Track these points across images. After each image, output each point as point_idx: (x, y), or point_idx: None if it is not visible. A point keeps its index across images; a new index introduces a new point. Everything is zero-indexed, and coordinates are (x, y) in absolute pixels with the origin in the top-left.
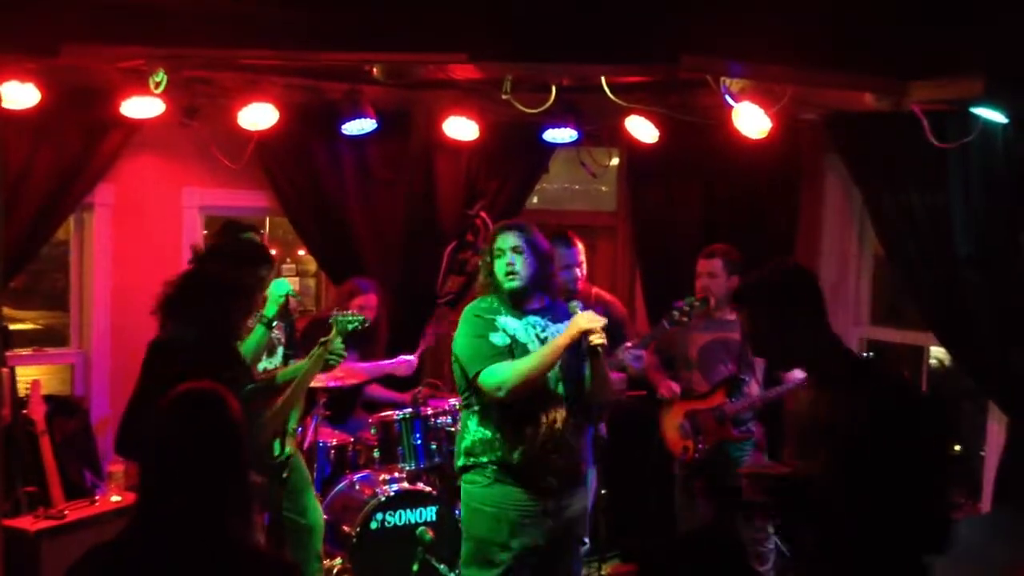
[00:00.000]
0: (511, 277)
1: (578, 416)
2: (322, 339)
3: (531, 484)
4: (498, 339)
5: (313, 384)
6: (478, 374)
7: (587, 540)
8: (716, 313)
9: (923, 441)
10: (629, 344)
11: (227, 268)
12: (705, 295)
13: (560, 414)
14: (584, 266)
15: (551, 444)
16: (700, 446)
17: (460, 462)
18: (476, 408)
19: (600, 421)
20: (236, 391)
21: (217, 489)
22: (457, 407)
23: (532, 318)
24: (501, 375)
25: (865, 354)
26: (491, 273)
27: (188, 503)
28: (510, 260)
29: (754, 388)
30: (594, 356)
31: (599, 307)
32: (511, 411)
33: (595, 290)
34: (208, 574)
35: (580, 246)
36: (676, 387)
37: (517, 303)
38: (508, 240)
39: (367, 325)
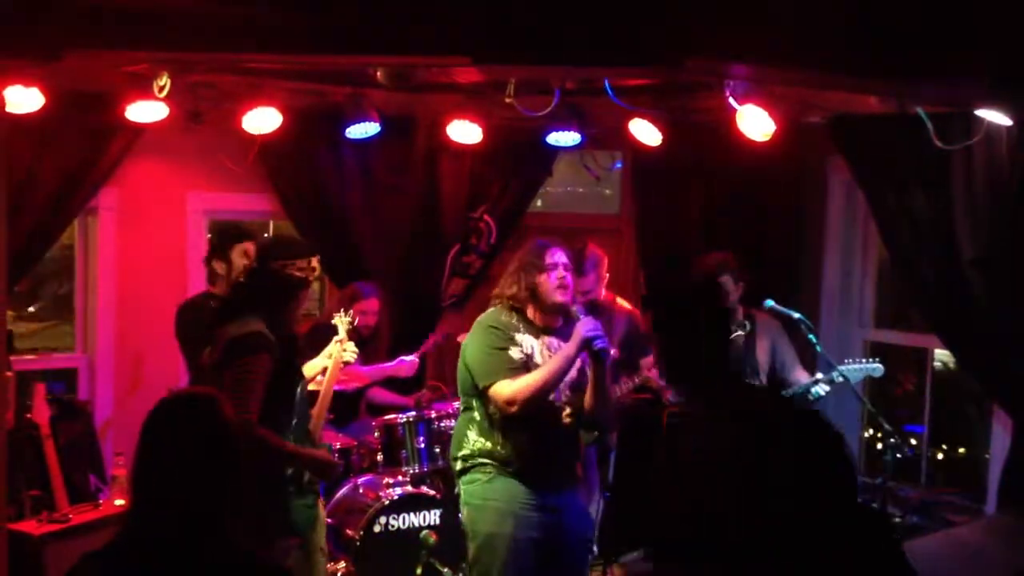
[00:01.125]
0: (563, 291)
1: (577, 430)
2: (336, 338)
3: (530, 481)
4: (516, 353)
5: (313, 388)
6: (490, 386)
7: (596, 549)
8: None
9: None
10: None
11: (283, 264)
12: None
13: (562, 432)
14: (603, 283)
15: (551, 457)
16: None
17: (458, 466)
18: (476, 418)
19: (610, 432)
20: (301, 381)
21: (212, 492)
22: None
23: (547, 338)
24: (514, 389)
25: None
26: (531, 287)
27: (183, 507)
28: (563, 275)
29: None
30: (596, 361)
31: (620, 317)
32: (513, 427)
33: (617, 299)
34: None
35: (599, 272)
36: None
37: (547, 319)
38: (560, 256)
39: (369, 330)
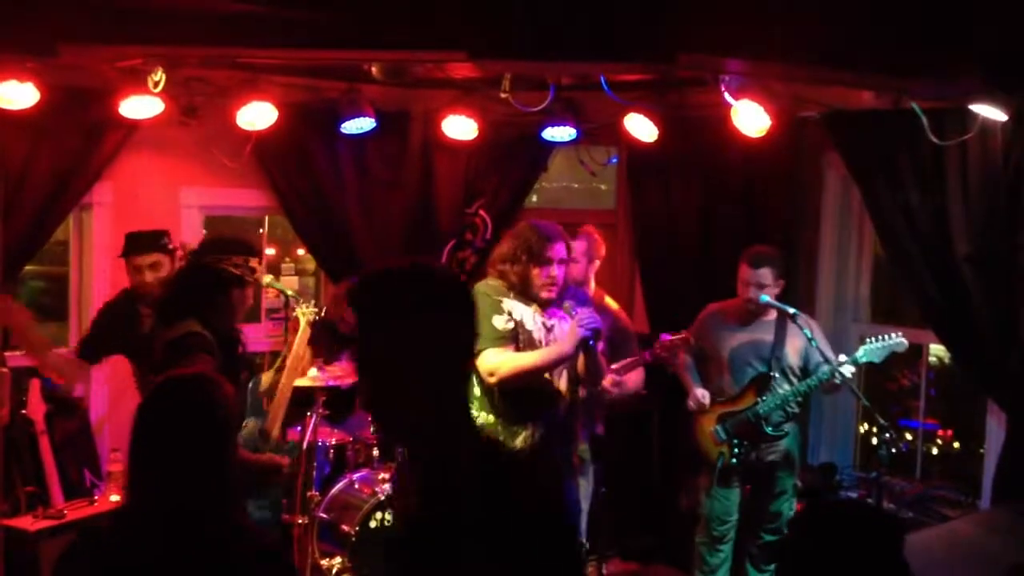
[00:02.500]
0: (551, 289)
1: (576, 406)
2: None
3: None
4: (500, 322)
5: (311, 383)
6: (477, 353)
7: (586, 542)
8: (753, 313)
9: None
10: (615, 366)
11: (216, 259)
12: (688, 336)
13: (561, 403)
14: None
15: (552, 432)
16: (735, 450)
17: None
18: (476, 394)
19: (597, 419)
20: (247, 380)
21: (203, 476)
22: None
23: (539, 308)
24: (497, 361)
25: None
26: (524, 275)
27: (176, 491)
28: (556, 272)
29: (786, 388)
30: (585, 350)
31: (606, 317)
32: (513, 398)
33: (605, 298)
34: (198, 559)
35: (584, 262)
36: (704, 397)
37: (534, 299)
38: (560, 251)
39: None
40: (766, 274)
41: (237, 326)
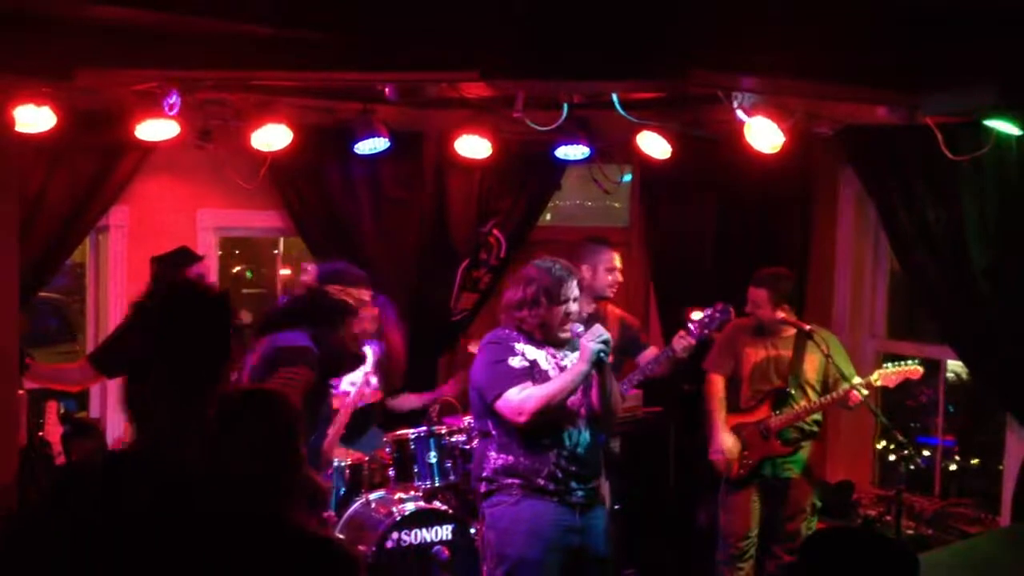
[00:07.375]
0: (567, 327)
1: (597, 435)
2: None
3: (558, 498)
4: (517, 362)
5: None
6: (497, 398)
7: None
8: (771, 330)
9: None
10: (643, 364)
11: (340, 289)
12: (726, 305)
13: (581, 436)
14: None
15: (574, 465)
16: (746, 462)
17: (482, 488)
18: (494, 435)
19: (612, 437)
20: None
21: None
22: (473, 432)
23: (550, 348)
24: (521, 398)
25: None
26: (544, 318)
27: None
28: (571, 310)
29: (803, 404)
30: (599, 368)
31: (612, 322)
32: (532, 435)
33: (608, 305)
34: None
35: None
36: (728, 453)
37: (549, 340)
38: (575, 289)
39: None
40: (759, 295)
41: (358, 352)
